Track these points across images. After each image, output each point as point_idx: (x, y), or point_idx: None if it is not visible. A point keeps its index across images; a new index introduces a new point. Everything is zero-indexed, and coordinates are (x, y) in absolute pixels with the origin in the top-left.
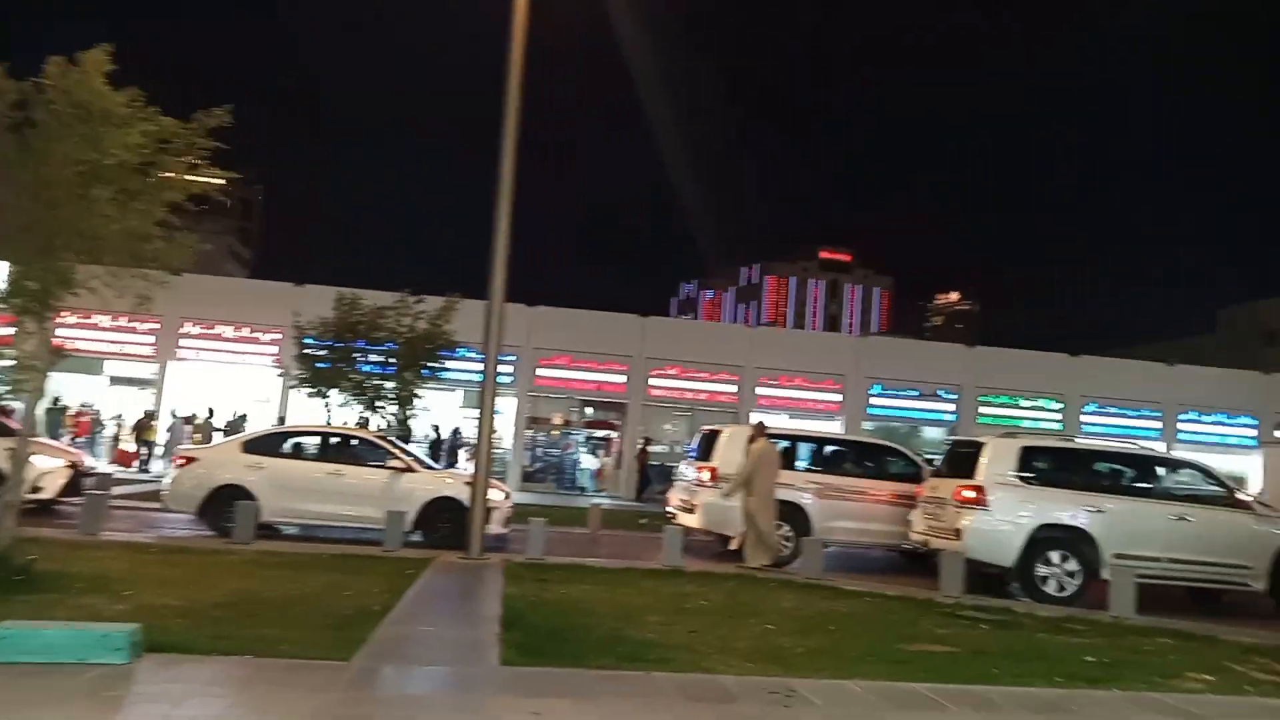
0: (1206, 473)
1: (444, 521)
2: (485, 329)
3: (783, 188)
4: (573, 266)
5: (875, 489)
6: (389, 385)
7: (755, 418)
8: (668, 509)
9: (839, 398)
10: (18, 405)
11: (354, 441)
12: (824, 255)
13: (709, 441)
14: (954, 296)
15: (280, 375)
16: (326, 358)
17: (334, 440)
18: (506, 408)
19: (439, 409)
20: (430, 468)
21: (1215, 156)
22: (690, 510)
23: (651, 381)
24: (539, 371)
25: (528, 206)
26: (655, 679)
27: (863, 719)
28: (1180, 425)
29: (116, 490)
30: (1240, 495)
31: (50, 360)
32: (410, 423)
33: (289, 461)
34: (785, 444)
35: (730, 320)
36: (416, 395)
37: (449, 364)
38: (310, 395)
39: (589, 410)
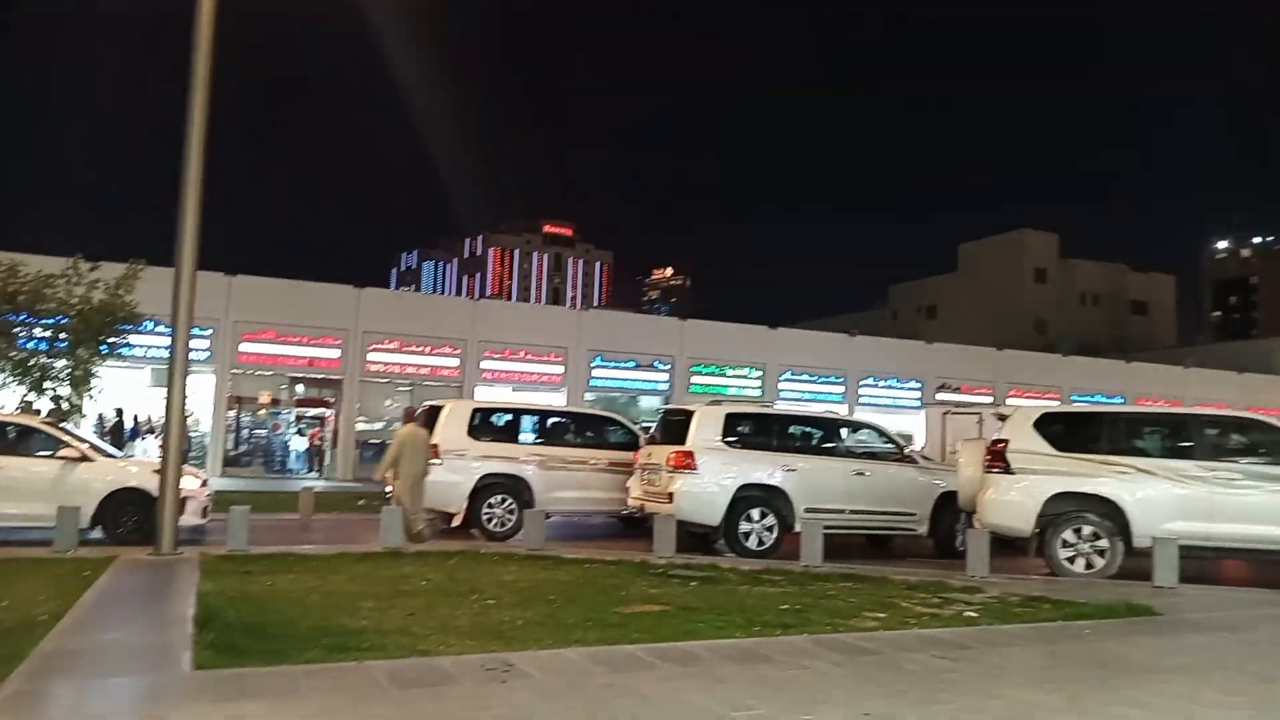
0: (880, 432)
1: (129, 515)
2: (174, 299)
3: (507, 160)
4: (284, 235)
5: (595, 458)
6: (60, 364)
7: (482, 393)
8: (387, 489)
9: (561, 370)
10: None
11: (13, 429)
12: (547, 229)
13: (430, 417)
14: (669, 272)
15: None
16: None
17: None
18: (205, 386)
19: (124, 389)
20: (111, 456)
21: (888, 148)
22: None
23: (369, 356)
24: (242, 347)
25: (232, 165)
26: (367, 668)
27: (578, 685)
28: (860, 390)
29: None
30: (908, 451)
31: None
32: (85, 405)
33: None
34: (508, 417)
35: (453, 292)
36: (93, 374)
37: (133, 339)
38: None
39: (300, 388)
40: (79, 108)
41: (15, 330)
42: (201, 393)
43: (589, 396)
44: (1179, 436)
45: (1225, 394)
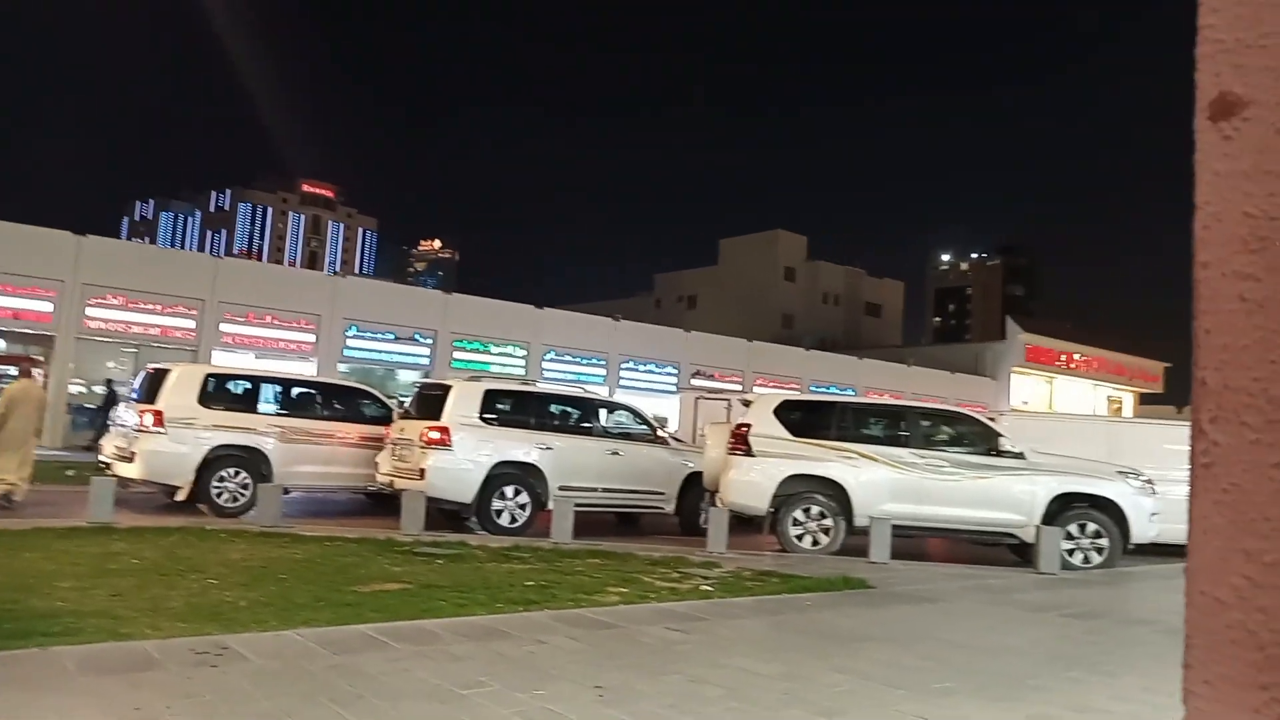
0: (636, 414)
1: None
2: None
3: (269, 112)
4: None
5: (343, 431)
6: None
7: (221, 358)
8: (100, 458)
9: (313, 338)
10: None
11: None
12: (307, 188)
13: (155, 382)
14: (436, 244)
15: None
16: None
17: None
18: None
19: None
20: None
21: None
22: (129, 459)
23: (89, 312)
24: None
25: None
26: (53, 654)
27: (299, 667)
28: (621, 372)
29: None
30: (661, 432)
31: None
32: None
33: None
34: (246, 385)
35: (195, 249)
36: None
37: None
38: None
39: (1, 343)
40: None
41: None
42: None
43: (343, 368)
44: (898, 427)
45: (940, 390)
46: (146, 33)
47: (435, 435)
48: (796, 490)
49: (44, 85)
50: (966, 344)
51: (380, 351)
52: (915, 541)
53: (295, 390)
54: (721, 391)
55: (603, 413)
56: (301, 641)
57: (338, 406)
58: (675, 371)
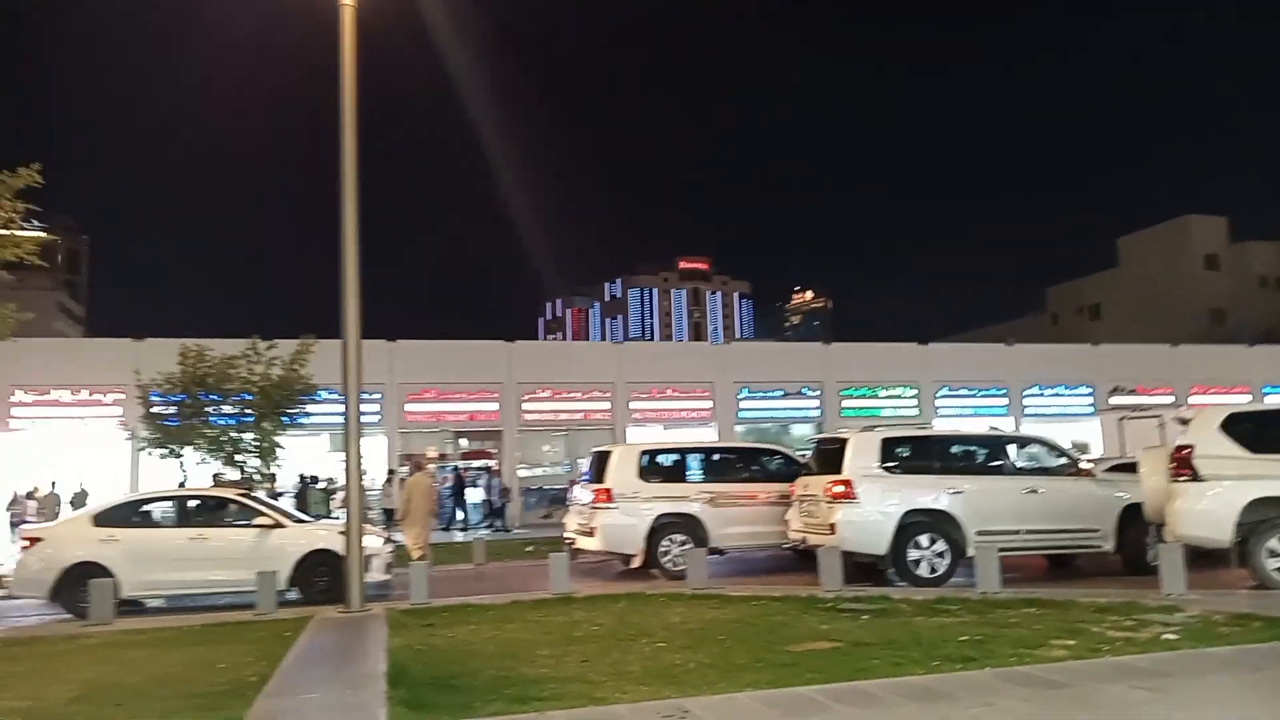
0: (1050, 445)
1: (321, 576)
2: (343, 367)
3: (637, 200)
4: (433, 304)
5: (762, 491)
6: (247, 437)
7: (634, 433)
8: (565, 535)
9: (709, 405)
10: None
11: (214, 502)
12: (683, 265)
13: (601, 462)
14: (808, 295)
15: (128, 438)
16: (176, 415)
17: (192, 503)
18: (378, 447)
19: (306, 456)
20: (301, 521)
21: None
22: (589, 533)
23: (525, 406)
24: (407, 407)
25: (381, 246)
26: (548, 718)
27: None
28: (1025, 401)
29: None
30: (1083, 463)
31: None
32: (275, 473)
33: (146, 531)
34: (675, 457)
35: (598, 335)
36: (279, 445)
37: (310, 409)
38: (163, 456)
39: (463, 441)
40: (239, 196)
41: (206, 409)
42: (375, 453)
43: (739, 429)
44: None
45: None
46: (542, 156)
47: (839, 489)
48: (1268, 516)
49: (462, 220)
50: None
51: (771, 409)
52: None
53: (715, 456)
54: (1150, 408)
55: (1011, 449)
56: (750, 704)
57: (754, 468)
58: (1090, 391)
